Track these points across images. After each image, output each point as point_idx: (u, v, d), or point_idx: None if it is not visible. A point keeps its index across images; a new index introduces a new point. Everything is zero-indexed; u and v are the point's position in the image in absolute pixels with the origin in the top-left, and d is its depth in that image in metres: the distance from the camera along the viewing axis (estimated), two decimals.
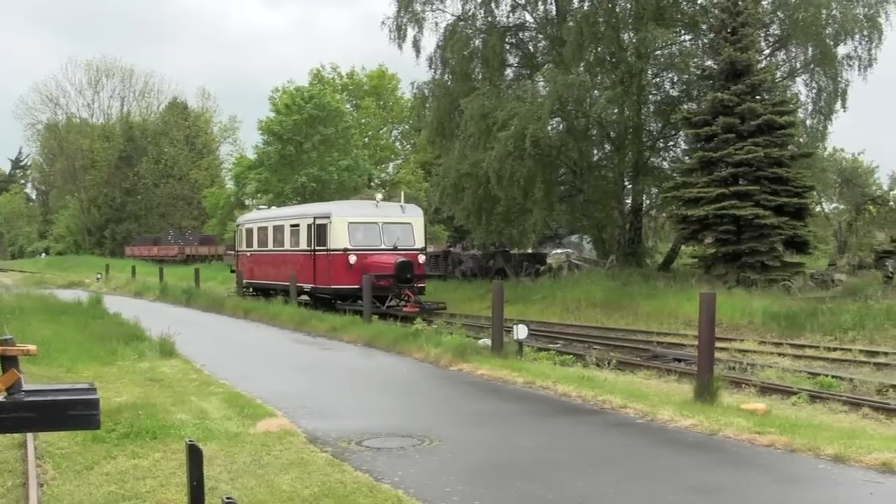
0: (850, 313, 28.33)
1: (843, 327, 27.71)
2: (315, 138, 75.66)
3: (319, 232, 38.60)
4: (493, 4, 50.52)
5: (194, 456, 6.38)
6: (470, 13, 51.01)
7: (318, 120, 76.06)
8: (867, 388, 19.07)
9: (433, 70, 52.58)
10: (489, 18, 50.83)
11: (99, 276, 67.95)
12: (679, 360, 24.00)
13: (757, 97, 38.26)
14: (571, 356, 24.45)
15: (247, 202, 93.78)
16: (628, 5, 46.35)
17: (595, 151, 50.42)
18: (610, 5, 45.93)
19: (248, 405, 15.30)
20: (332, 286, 37.77)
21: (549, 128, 45.54)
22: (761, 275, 36.46)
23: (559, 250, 62.58)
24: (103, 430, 11.73)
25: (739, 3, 38.71)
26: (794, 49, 46.71)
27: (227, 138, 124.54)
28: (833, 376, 20.40)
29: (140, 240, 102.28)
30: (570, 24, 46.37)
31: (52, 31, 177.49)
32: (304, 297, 40.63)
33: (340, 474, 10.72)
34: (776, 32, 46.98)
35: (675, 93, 48.14)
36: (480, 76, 49.87)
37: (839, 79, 45.41)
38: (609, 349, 26.66)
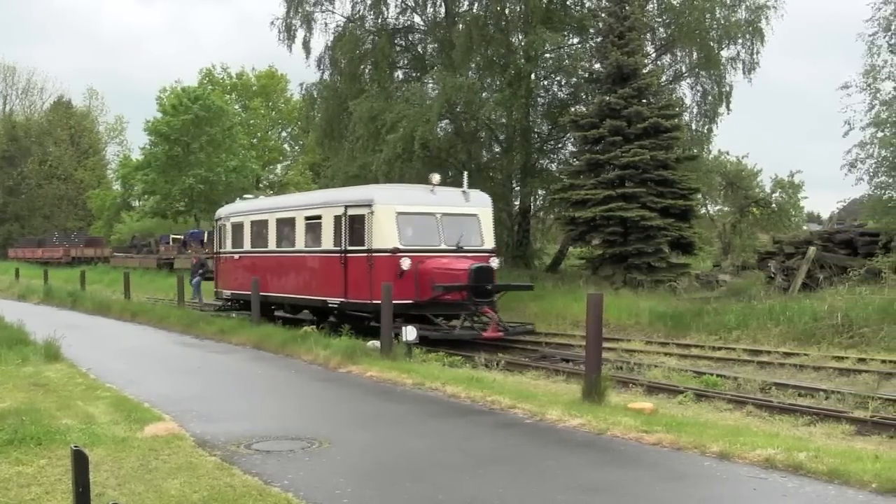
0: (734, 313, 28.80)
1: (727, 327, 28.18)
2: (202, 139, 75.01)
3: (353, 226, 28.69)
4: (382, 6, 50.38)
5: (80, 462, 6.27)
6: (359, 14, 50.83)
7: (204, 121, 75.42)
8: (751, 386, 19.40)
9: (322, 71, 52.37)
10: (379, 20, 50.71)
11: None
12: (567, 361, 24.20)
13: (643, 100, 38.78)
14: (460, 357, 24.49)
15: (134, 203, 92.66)
16: (517, 8, 46.58)
17: (484, 153, 50.59)
18: (499, 8, 46.12)
19: (135, 409, 15.09)
20: (375, 301, 25.90)
21: (438, 130, 45.63)
22: (648, 276, 36.94)
23: None
24: None
25: (626, 7, 39.20)
26: (679, 53, 47.74)
27: (114, 138, 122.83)
28: (718, 375, 20.71)
29: (24, 241, 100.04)
30: (460, 26, 46.57)
31: None
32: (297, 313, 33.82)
33: (230, 478, 10.61)
34: (662, 36, 47.74)
35: (563, 95, 48.60)
36: (370, 78, 49.73)
37: (723, 82, 46.68)
38: (497, 350, 26.75)
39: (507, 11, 46.67)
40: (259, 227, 35.24)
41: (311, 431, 13.57)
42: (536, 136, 49.70)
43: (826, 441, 13.67)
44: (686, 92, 48.09)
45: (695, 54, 46.83)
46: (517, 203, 49.90)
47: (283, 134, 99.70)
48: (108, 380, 18.94)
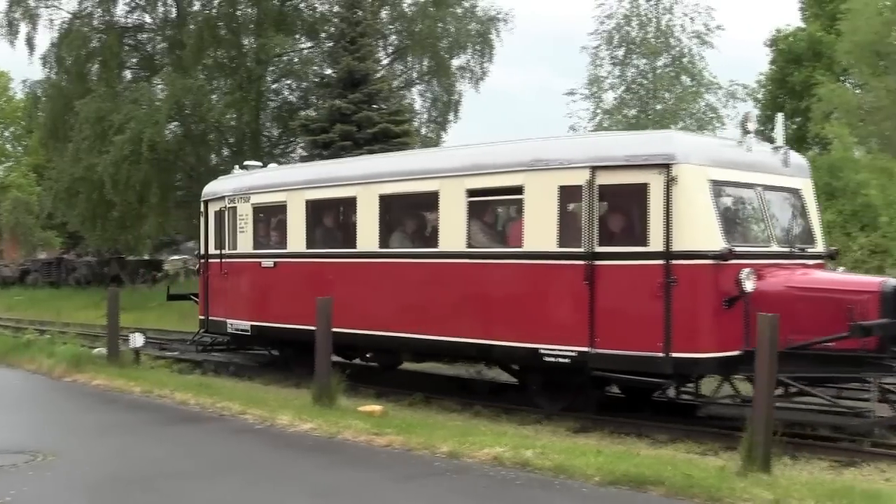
0: None
1: None
2: None
3: (616, 206, 15.85)
4: (110, 3, 49.00)
5: None
6: (87, 11, 49.18)
7: None
8: (480, 388, 19.71)
9: (48, 69, 50.61)
10: (107, 18, 49.29)
11: None
12: (301, 364, 23.96)
13: (374, 106, 38.95)
14: (189, 363, 24.09)
15: None
16: (250, 10, 46.33)
17: (213, 156, 49.94)
18: (231, 10, 45.70)
19: None
20: (678, 354, 14.38)
21: (167, 132, 44.81)
22: None
23: (176, 256, 61.67)
24: None
25: (358, 13, 39.34)
26: (411, 60, 48.35)
27: None
28: (447, 377, 20.96)
29: None
30: (191, 27, 45.85)
31: None
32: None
33: None
34: (395, 43, 48.32)
35: (293, 99, 48.52)
36: (97, 77, 48.34)
37: (453, 90, 47.69)
38: (230, 355, 26.31)
39: (238, 13, 46.31)
40: (326, 211, 21.54)
41: (35, 444, 13.03)
42: (266, 139, 49.40)
43: (552, 438, 14.03)
44: (417, 99, 48.95)
45: (426, 62, 47.70)
46: None
47: (6, 134, 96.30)
48: None
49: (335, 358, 19.68)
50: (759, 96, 45.42)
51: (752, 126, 15.86)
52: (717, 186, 15.03)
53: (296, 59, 46.67)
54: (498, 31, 47.73)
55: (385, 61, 47.22)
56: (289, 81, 48.14)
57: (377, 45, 43.78)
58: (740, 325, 14.45)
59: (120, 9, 49.61)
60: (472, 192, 17.38)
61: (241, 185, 23.43)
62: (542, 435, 14.53)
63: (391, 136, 37.56)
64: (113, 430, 14.60)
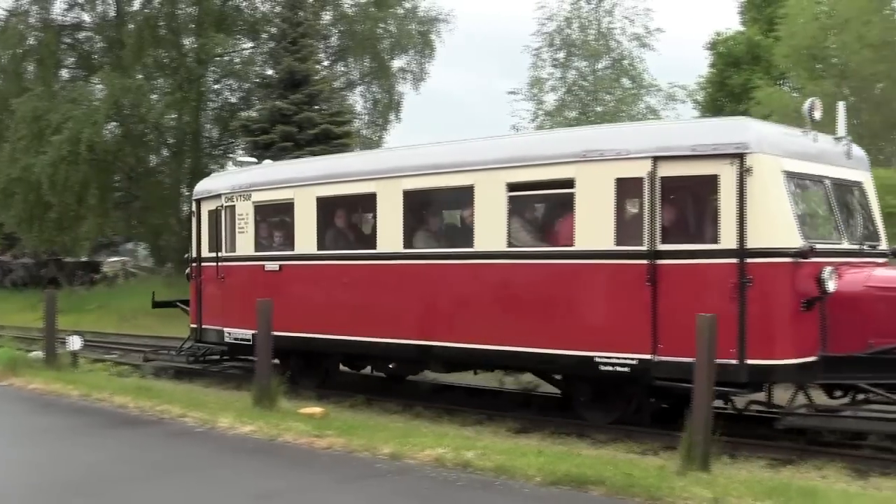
0: None
1: None
2: None
3: (680, 200, 14.87)
4: (47, 1, 48.58)
5: None
6: (23, 9, 48.69)
7: None
8: (421, 388, 19.75)
9: None
10: (44, 15, 48.81)
11: None
12: (238, 367, 23.82)
13: (315, 107, 38.89)
14: (128, 366, 23.88)
15: None
16: (190, 10, 46.07)
17: (152, 157, 49.59)
18: (171, 9, 45.42)
19: None
20: (753, 361, 13.26)
21: (106, 132, 44.41)
22: None
23: (115, 258, 61.17)
24: None
25: (300, 13, 39.26)
26: (352, 61, 48.40)
27: None
28: (389, 378, 20.94)
29: None
30: (130, 26, 45.53)
31: None
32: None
33: None
34: (336, 44, 48.31)
35: (234, 100, 48.33)
36: (34, 76, 47.90)
37: (394, 91, 47.83)
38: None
39: (178, 13, 46.03)
40: (340, 209, 19.49)
41: None
42: (207, 140, 49.14)
43: (493, 439, 14.08)
44: (358, 100, 49.03)
45: (367, 63, 47.77)
46: (186, 208, 49.20)
47: None
48: None
49: (343, 368, 20.37)
50: (699, 98, 45.74)
51: (818, 114, 14.68)
52: (791, 179, 13.93)
53: (237, 60, 46.60)
54: (439, 31, 48.00)
55: (326, 62, 47.20)
56: (230, 82, 47.98)
57: (318, 46, 43.74)
58: (816, 329, 13.55)
59: (57, 7, 49.17)
60: (512, 187, 15.83)
61: (239, 182, 21.29)
62: (483, 436, 14.57)
63: (332, 138, 37.53)
64: (51, 434, 14.45)
